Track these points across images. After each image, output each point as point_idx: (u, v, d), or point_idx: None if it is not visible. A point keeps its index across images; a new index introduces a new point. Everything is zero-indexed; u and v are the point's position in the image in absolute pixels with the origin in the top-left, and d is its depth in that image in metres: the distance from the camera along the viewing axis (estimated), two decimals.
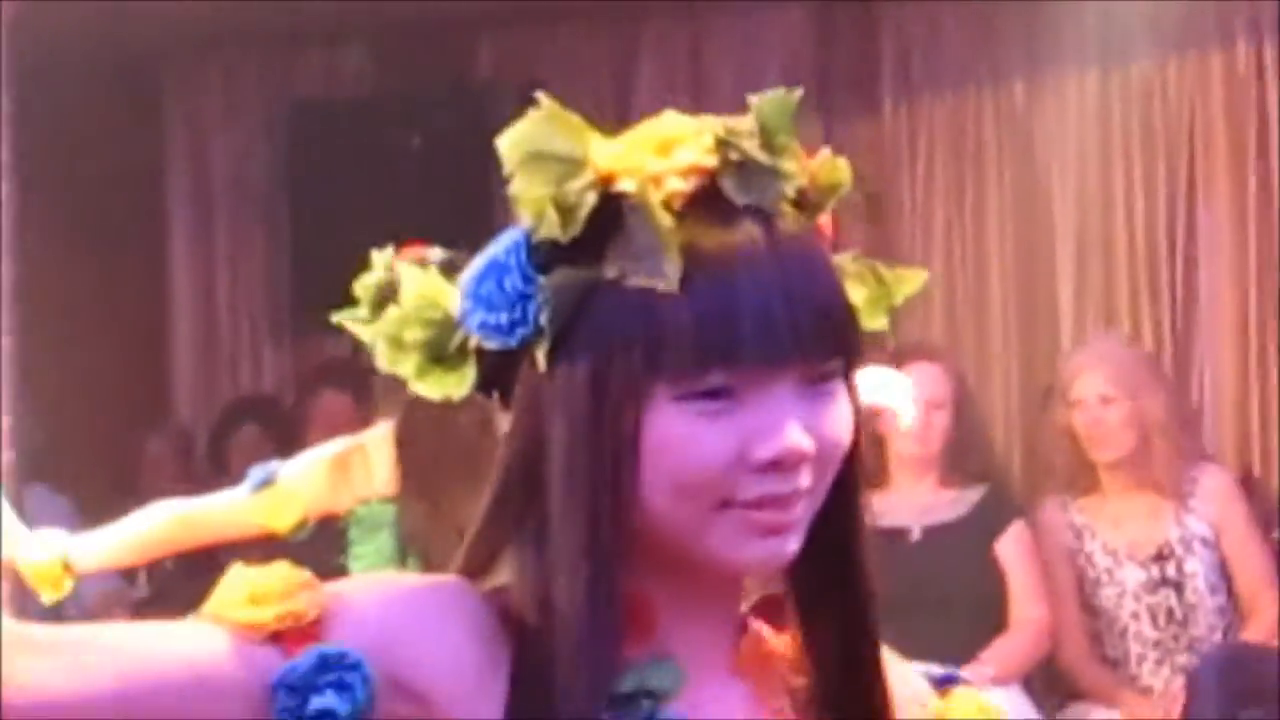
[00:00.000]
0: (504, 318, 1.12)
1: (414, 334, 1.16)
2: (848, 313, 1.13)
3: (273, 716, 1.09)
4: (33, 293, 5.12)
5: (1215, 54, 5.31)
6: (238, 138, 6.61)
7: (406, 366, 1.17)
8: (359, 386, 4.77)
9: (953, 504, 4.58)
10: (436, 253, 2.96)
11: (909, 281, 1.18)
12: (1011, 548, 4.55)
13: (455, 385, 1.17)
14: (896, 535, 4.42)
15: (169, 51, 6.54)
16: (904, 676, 1.23)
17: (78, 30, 5.46)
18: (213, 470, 5.89)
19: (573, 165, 1.10)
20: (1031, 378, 5.45)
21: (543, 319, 1.10)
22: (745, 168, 1.10)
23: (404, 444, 3.34)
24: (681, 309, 1.07)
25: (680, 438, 1.09)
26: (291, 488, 3.25)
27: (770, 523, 1.10)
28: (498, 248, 1.12)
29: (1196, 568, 4.50)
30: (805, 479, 1.10)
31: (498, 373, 1.15)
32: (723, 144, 1.10)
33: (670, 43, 6.10)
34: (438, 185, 6.06)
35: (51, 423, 5.73)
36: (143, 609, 6.08)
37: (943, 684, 1.28)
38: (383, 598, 1.14)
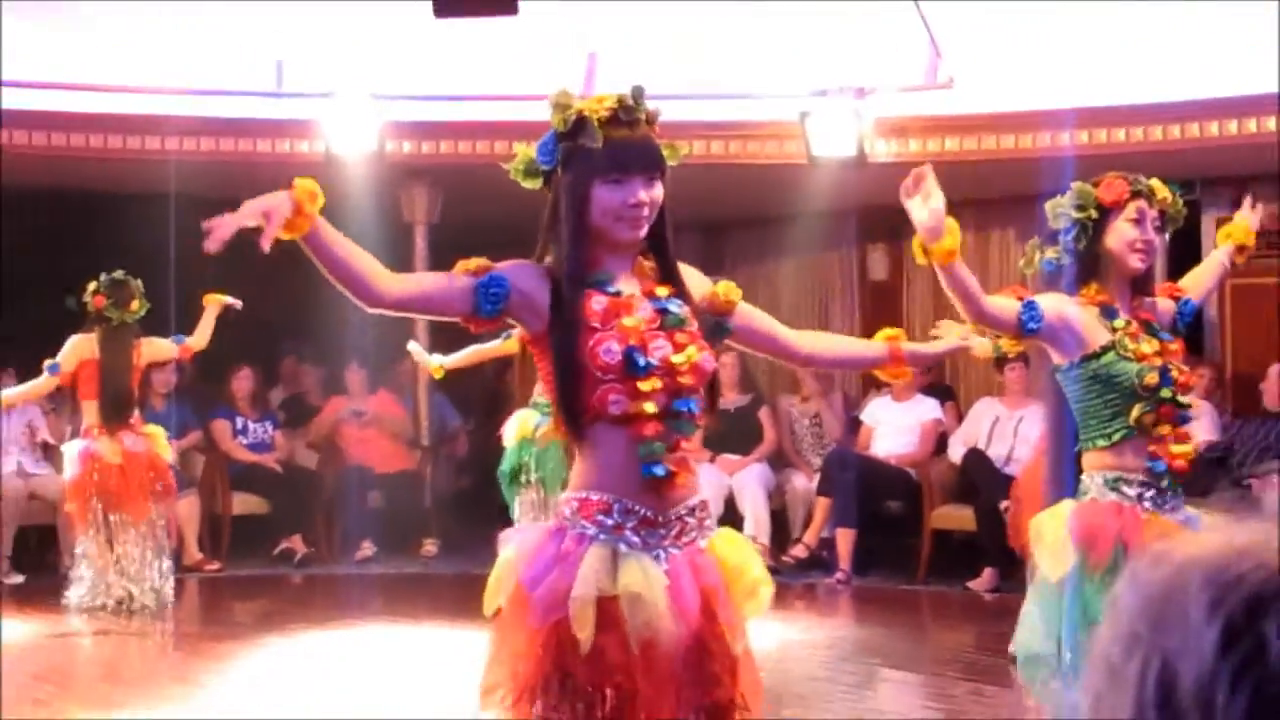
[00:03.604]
0: (546, 159, 3.21)
1: (521, 166, 3.24)
2: (661, 157, 3.22)
3: (479, 302, 3.14)
4: None
5: (834, 258, 11.20)
6: None
7: (519, 176, 3.26)
8: None
9: None
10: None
11: (681, 149, 3.32)
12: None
13: (536, 183, 3.25)
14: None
15: None
16: (694, 275, 3.41)
17: None
18: None
19: (567, 109, 3.20)
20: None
21: (559, 158, 3.19)
22: (627, 107, 3.20)
23: None
24: (602, 155, 3.16)
25: (603, 197, 3.17)
26: None
27: (635, 224, 3.19)
28: (546, 136, 3.27)
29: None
30: (646, 210, 3.19)
31: (548, 179, 3.22)
32: (620, 99, 3.20)
33: None
34: None
35: None
36: (469, 433, 10.64)
37: None
38: (509, 264, 3.21)
